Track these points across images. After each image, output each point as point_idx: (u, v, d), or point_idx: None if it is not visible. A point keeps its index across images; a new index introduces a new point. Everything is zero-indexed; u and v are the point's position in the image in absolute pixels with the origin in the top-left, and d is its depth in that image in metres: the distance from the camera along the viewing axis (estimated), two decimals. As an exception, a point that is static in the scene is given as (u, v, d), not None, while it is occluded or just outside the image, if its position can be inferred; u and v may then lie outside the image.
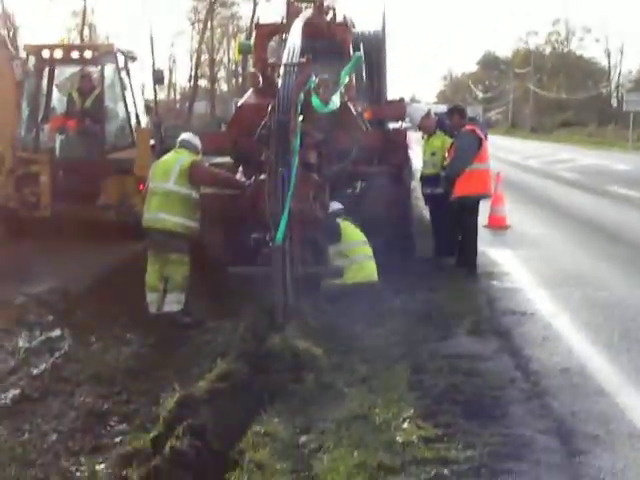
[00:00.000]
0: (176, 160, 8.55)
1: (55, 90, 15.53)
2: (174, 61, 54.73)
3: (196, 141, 8.86)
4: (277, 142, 7.44)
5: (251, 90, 10.71)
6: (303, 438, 4.97)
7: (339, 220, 8.80)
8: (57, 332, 8.23)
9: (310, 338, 6.67)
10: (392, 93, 16.08)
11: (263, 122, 8.09)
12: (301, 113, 8.08)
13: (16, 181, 13.11)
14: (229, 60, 45.92)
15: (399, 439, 4.83)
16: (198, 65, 50.90)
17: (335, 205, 8.89)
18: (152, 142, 13.63)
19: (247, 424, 5.22)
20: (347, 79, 9.71)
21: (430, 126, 10.98)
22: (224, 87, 62.20)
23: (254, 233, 8.21)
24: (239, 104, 10.82)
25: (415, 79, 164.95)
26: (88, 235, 12.39)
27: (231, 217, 8.79)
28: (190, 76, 52.58)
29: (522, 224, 14.71)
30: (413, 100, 70.06)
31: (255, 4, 48.22)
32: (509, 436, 4.92)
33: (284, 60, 8.26)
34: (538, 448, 4.79)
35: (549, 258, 11.38)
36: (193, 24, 51.79)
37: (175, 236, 8.44)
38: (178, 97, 57.23)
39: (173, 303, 8.54)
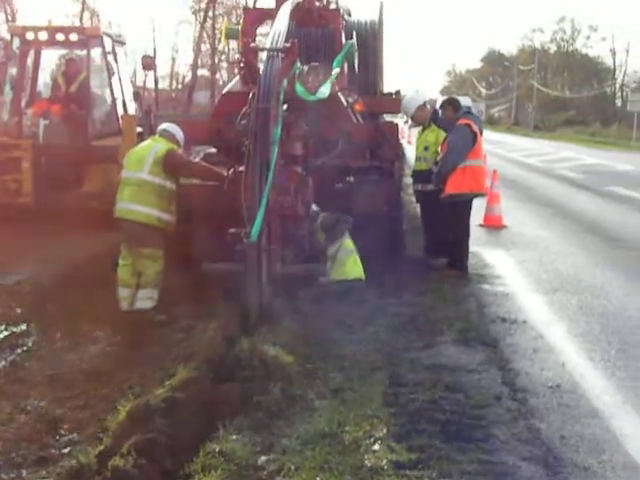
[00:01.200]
0: (151, 148, 8.08)
1: (41, 74, 15.18)
2: (177, 50, 54.37)
3: (176, 130, 8.38)
4: (256, 132, 6.99)
5: (237, 77, 10.28)
6: (262, 458, 4.50)
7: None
8: (22, 327, 7.88)
9: (284, 343, 6.24)
10: (393, 86, 15.66)
11: (243, 110, 7.65)
12: (286, 102, 7.64)
13: (-3, 167, 12.65)
14: (229, 50, 45.49)
15: (368, 463, 4.38)
16: (198, 54, 50.42)
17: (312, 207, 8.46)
18: (140, 130, 13.27)
19: (203, 440, 4.75)
20: (338, 68, 9.26)
21: (424, 118, 10.43)
22: (226, 77, 61.72)
23: (232, 228, 7.73)
24: (223, 92, 10.40)
25: (418, 73, 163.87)
26: (71, 224, 12.11)
27: (210, 210, 8.33)
28: (190, 65, 52.16)
29: (519, 224, 14.22)
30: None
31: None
32: (490, 464, 4.45)
33: (268, 45, 7.78)
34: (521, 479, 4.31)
35: (546, 261, 10.89)
36: (194, 13, 51.38)
37: (148, 229, 7.96)
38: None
39: (145, 299, 8.06)
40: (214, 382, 5.55)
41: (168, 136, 8.28)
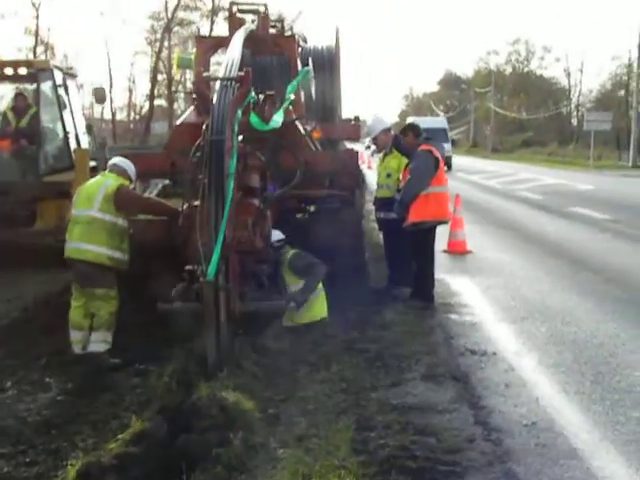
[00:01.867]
0: (101, 184, 7.74)
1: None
2: (133, 81, 54.09)
3: (126, 165, 8.04)
4: (210, 164, 6.69)
5: (192, 108, 9.98)
6: (221, 520, 4.16)
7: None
8: (-31, 375, 7.43)
9: (245, 386, 5.95)
10: (352, 112, 15.51)
11: (197, 142, 7.36)
12: (241, 132, 7.36)
13: (-56, 206, 12.32)
14: (185, 79, 45.24)
15: (336, 523, 4.05)
16: (154, 84, 50.12)
17: (276, 235, 8.15)
18: (93, 163, 12.95)
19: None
20: (293, 95, 9.02)
21: (386, 143, 10.16)
22: (184, 106, 61.44)
23: (187, 265, 7.41)
24: (177, 123, 10.10)
25: (377, 98, 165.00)
26: (24, 262, 11.74)
27: (164, 246, 7.99)
28: (147, 96, 51.85)
29: (483, 249, 14.05)
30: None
31: (212, 22, 47.59)
32: (467, 517, 4.15)
33: (221, 74, 7.49)
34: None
35: (512, 287, 10.68)
36: (150, 43, 51.14)
37: (100, 268, 7.60)
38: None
39: (99, 342, 7.67)
40: (170, 434, 5.22)
41: (119, 171, 7.95)
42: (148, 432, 5.19)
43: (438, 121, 50.91)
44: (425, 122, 35.88)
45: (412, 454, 4.89)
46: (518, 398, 6.21)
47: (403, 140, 9.73)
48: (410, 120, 34.77)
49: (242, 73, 7.47)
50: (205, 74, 8.08)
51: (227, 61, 7.73)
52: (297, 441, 5.24)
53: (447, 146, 38.01)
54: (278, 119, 8.00)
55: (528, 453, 5.09)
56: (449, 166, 36.53)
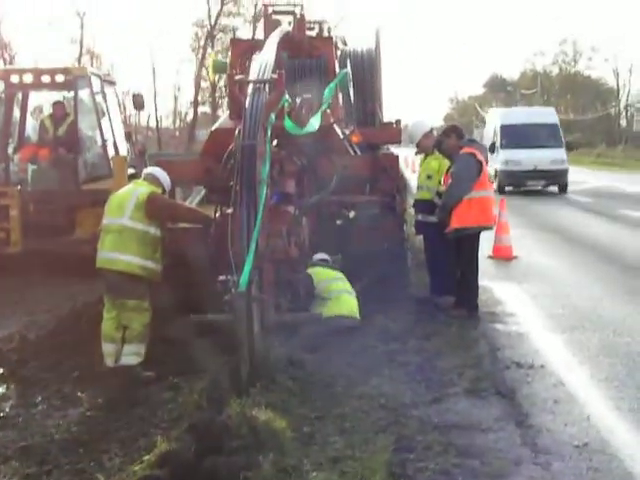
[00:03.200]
0: (132, 192, 7.55)
1: (30, 118, 14.81)
2: (179, 89, 54.35)
3: (160, 173, 7.86)
4: (242, 170, 6.44)
5: (227, 113, 9.80)
6: None
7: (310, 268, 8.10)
8: (1, 389, 7.37)
9: (278, 403, 5.71)
10: (394, 116, 15.23)
11: (230, 148, 7.14)
12: (275, 137, 7.13)
13: (-16, 216, 12.25)
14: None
15: None
16: (198, 91, 50.34)
17: (318, 256, 8.00)
18: (132, 171, 12.84)
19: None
20: (331, 98, 8.77)
21: (428, 145, 9.84)
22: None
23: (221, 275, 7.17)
24: (212, 128, 9.91)
25: (420, 101, 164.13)
26: (62, 272, 11.68)
27: (198, 256, 7.77)
28: (191, 103, 52.08)
29: (530, 254, 13.65)
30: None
31: (254, 28, 47.57)
32: None
33: (253, 76, 7.26)
34: None
35: (561, 294, 10.28)
36: (194, 50, 51.37)
37: (131, 279, 7.40)
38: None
39: (131, 355, 7.48)
40: (197, 454, 4.95)
41: (151, 179, 7.78)
42: (174, 453, 4.95)
43: (545, 113, 31.20)
44: (526, 115, 30.50)
45: (454, 479, 4.56)
46: (568, 416, 5.85)
47: (445, 142, 9.39)
48: (501, 113, 31.70)
49: (275, 75, 7.24)
50: (237, 77, 7.85)
51: (260, 63, 7.51)
52: (332, 463, 4.94)
53: (559, 153, 27.51)
54: (315, 123, 7.74)
55: (580, 478, 4.74)
56: (563, 187, 27.37)
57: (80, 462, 5.60)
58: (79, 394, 7.11)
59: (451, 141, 9.29)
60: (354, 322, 7.94)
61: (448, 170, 9.20)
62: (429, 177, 9.69)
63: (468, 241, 9.04)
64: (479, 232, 9.18)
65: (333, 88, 9.01)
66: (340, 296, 7.95)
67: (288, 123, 7.35)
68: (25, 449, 5.88)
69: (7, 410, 6.79)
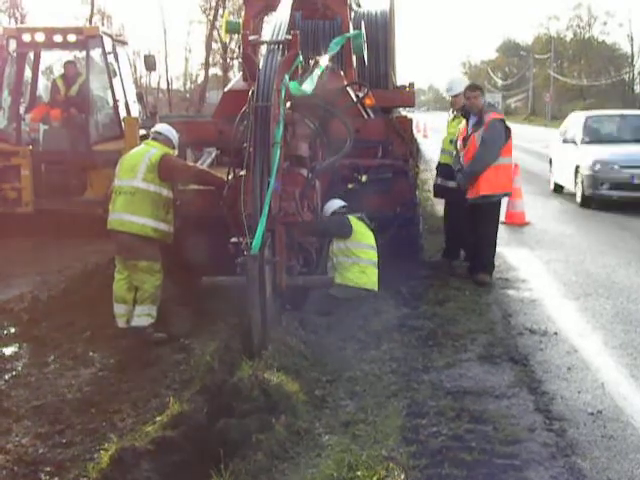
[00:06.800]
0: (144, 154, 7.47)
1: (41, 77, 14.70)
2: (190, 50, 53.92)
3: (170, 133, 7.75)
4: (256, 132, 6.35)
5: (240, 74, 9.68)
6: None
7: (350, 216, 7.86)
8: (14, 348, 7.37)
9: (290, 366, 5.70)
10: (406, 79, 15.08)
11: (242, 110, 7.03)
12: (289, 99, 7.01)
13: (-5, 176, 12.21)
14: (240, 47, 44.66)
15: (382, 520, 3.72)
16: (209, 53, 49.93)
17: (335, 203, 7.84)
18: (143, 132, 12.75)
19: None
20: (336, 49, 8.63)
21: (460, 104, 9.55)
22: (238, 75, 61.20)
23: (233, 237, 7.11)
24: (225, 90, 9.80)
25: (432, 65, 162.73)
26: (73, 232, 11.67)
27: (210, 218, 7.71)
28: (202, 64, 51.70)
29: (543, 220, 13.54)
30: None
31: (268, -11, 47.16)
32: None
33: (267, 37, 7.13)
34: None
35: (574, 261, 10.19)
36: (205, 11, 50.92)
37: (143, 240, 7.36)
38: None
39: (143, 316, 7.46)
40: (209, 416, 4.95)
41: (163, 139, 7.67)
42: (187, 414, 4.96)
43: None
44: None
45: (467, 445, 4.54)
46: (582, 383, 5.79)
47: (472, 97, 9.04)
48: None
49: (290, 36, 7.11)
50: (251, 37, 7.72)
51: (274, 24, 7.38)
52: (344, 427, 4.93)
53: None
54: (307, 87, 7.55)
55: (594, 446, 4.67)
56: None
57: (92, 422, 5.63)
58: (91, 354, 7.13)
59: (477, 98, 9.08)
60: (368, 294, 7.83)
61: (466, 133, 9.00)
62: (452, 142, 9.57)
63: (493, 208, 8.94)
64: (501, 199, 9.10)
65: (341, 41, 8.86)
66: (367, 267, 7.74)
67: (292, 84, 7.23)
68: (38, 408, 5.91)
69: (19, 369, 6.80)
